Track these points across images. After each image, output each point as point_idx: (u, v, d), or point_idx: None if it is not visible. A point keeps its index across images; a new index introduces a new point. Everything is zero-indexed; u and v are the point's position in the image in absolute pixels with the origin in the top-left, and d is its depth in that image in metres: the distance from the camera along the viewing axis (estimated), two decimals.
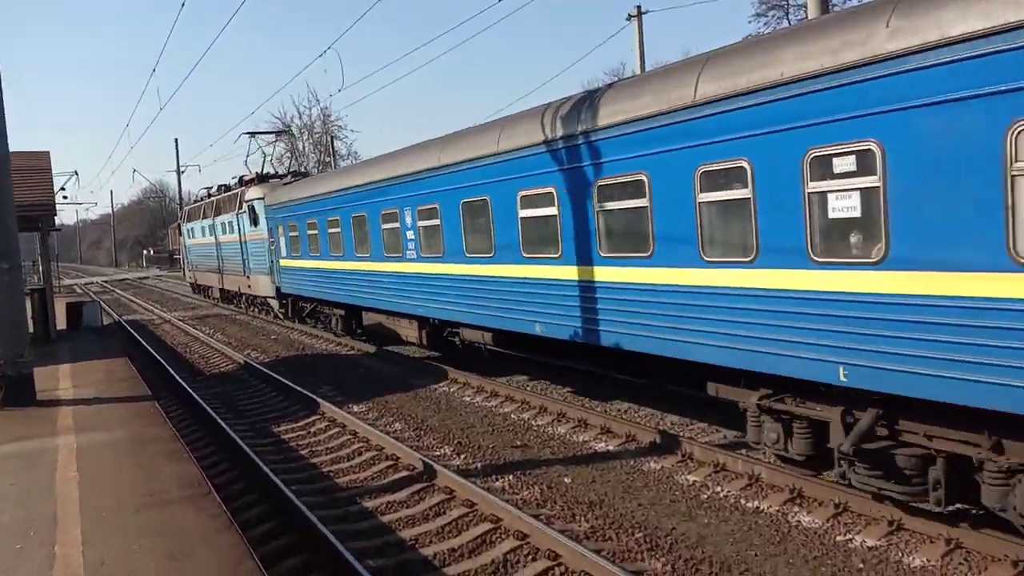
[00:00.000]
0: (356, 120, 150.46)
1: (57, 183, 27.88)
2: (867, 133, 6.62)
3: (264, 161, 32.24)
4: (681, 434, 10.18)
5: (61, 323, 22.76)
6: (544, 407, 12.41)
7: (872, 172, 6.61)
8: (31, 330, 14.67)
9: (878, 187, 6.58)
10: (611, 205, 9.74)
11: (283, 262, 23.72)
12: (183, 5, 17.03)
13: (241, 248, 28.76)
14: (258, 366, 18.07)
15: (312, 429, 12.74)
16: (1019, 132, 5.69)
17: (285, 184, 25.50)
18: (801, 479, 8.14)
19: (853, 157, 6.78)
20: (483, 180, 12.49)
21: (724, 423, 10.59)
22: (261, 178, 28.51)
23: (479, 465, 10.15)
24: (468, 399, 13.86)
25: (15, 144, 12.68)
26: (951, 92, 6.03)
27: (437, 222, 14.08)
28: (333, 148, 58.91)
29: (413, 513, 8.65)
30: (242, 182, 29.34)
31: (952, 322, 6.16)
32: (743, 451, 9.35)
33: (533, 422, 11.92)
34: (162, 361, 18.56)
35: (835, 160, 6.93)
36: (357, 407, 14.00)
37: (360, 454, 11.10)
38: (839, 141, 6.86)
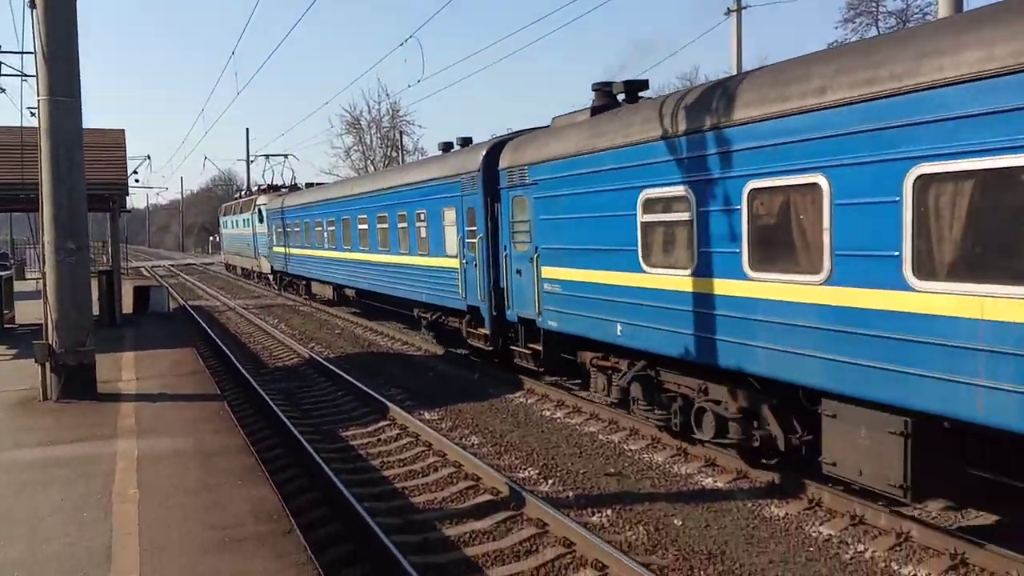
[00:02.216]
0: (424, 116, 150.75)
1: (130, 167, 27.83)
2: None
3: (270, 172, 48.12)
4: (806, 477, 8.91)
5: (127, 307, 22.43)
6: (636, 429, 11.26)
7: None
8: (95, 313, 14.03)
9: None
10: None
11: (272, 249, 35.51)
12: None
13: (253, 239, 40.84)
14: (323, 361, 17.33)
15: (382, 436, 11.83)
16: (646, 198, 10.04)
17: (278, 195, 36.88)
18: (963, 543, 6.85)
19: None
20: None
21: None
22: (269, 188, 41.78)
23: (571, 494, 9.06)
24: (548, 414, 12.78)
25: (89, 122, 12.08)
26: None
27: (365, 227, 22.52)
28: (402, 143, 58.59)
29: (501, 548, 7.61)
30: (258, 191, 42.92)
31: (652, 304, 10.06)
32: (882, 503, 8.07)
33: (625, 446, 10.78)
34: (231, 355, 17.91)
35: None
36: (428, 414, 13.06)
37: (436, 470, 10.13)
38: None
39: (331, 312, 27.95)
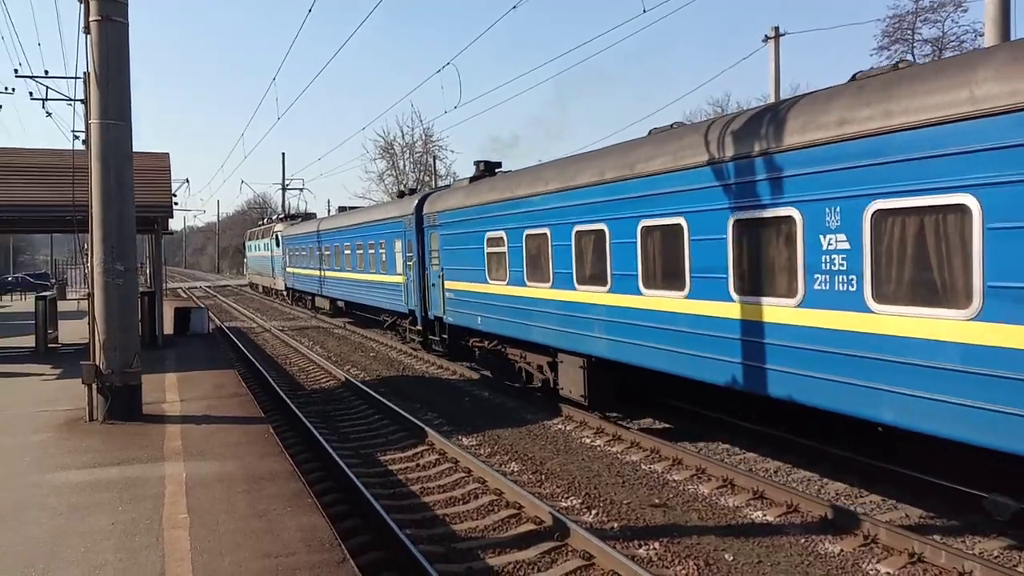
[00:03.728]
0: (456, 141, 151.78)
1: None
2: None
3: (294, 199, 56.60)
4: (858, 510, 8.66)
5: (168, 328, 22.70)
6: (679, 460, 11.05)
7: None
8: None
9: None
10: None
11: (288, 269, 42.69)
12: (309, 11, 16.61)
13: (271, 260, 47.94)
14: (359, 384, 17.34)
15: (421, 461, 11.76)
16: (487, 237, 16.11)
17: (292, 224, 43.98)
18: None
19: None
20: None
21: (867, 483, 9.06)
22: (286, 217, 51.05)
23: (615, 526, 8.89)
24: (588, 441, 12.62)
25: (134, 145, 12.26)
26: None
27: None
28: (435, 168, 59.06)
29: None
30: (276, 219, 51.61)
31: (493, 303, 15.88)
32: (936, 536, 7.82)
33: (668, 476, 10.58)
34: (269, 378, 18.00)
35: None
36: (467, 440, 12.98)
37: (476, 497, 10.02)
38: None
39: (365, 335, 28.06)
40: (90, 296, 11.82)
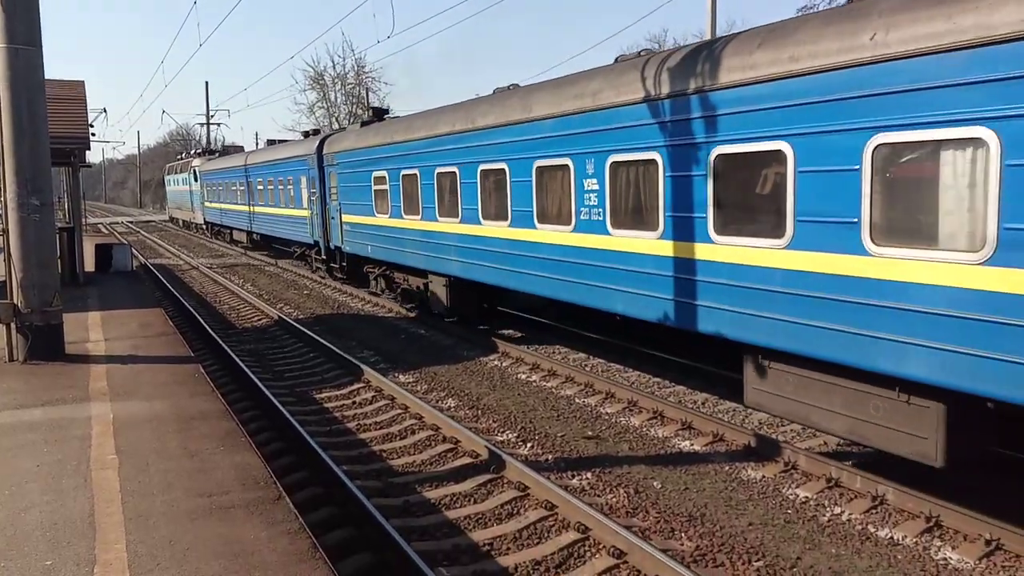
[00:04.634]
0: (389, 75, 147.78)
1: None
2: None
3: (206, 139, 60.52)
4: (779, 438, 9.07)
5: (89, 265, 21.88)
6: (611, 393, 11.34)
7: None
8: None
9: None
10: None
11: (206, 204, 44.66)
12: None
13: (190, 195, 49.67)
14: (293, 323, 17.13)
15: (357, 399, 11.77)
16: (374, 176, 19.62)
17: (209, 159, 45.68)
18: (937, 506, 7.04)
19: None
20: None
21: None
22: (205, 152, 52.03)
23: (550, 457, 9.12)
24: (524, 377, 12.81)
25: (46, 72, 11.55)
26: None
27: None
28: (368, 101, 57.55)
29: (482, 511, 7.65)
30: (193, 154, 53.39)
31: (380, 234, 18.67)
32: (852, 463, 8.26)
33: (602, 409, 10.86)
34: (198, 317, 17.59)
35: None
36: (403, 376, 13.02)
37: (413, 432, 10.12)
38: None
39: (298, 272, 27.62)
40: (4, 232, 11.27)
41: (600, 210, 10.71)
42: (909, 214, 6.71)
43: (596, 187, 10.73)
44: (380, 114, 22.40)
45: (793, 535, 6.96)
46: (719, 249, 8.55)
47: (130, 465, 6.77)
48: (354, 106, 60.59)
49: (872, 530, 7.00)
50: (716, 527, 7.14)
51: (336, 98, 62.47)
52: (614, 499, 7.84)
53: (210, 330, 15.98)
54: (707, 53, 8.70)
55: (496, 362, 13.83)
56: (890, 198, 6.77)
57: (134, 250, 31.01)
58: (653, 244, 9.66)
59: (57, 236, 13.20)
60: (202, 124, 66.05)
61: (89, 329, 13.43)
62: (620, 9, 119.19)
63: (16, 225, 10.91)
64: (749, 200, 8.35)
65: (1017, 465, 7.77)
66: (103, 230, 54.01)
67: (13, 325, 10.92)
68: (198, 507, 5.83)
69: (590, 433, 9.91)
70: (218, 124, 56.95)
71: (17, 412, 8.59)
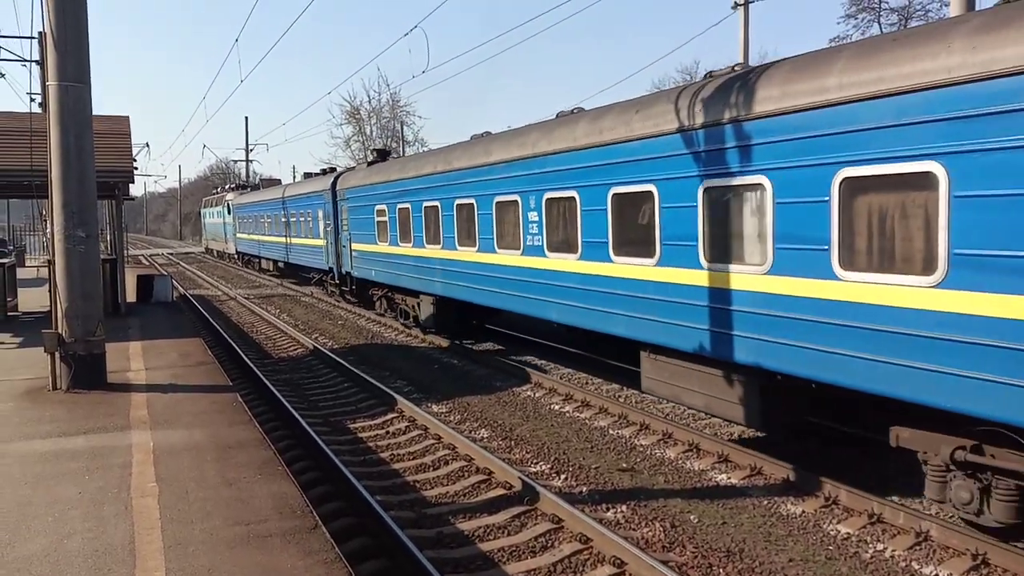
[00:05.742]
0: (424, 108, 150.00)
1: None
2: None
3: (235, 176, 64.65)
4: (820, 474, 8.88)
5: (130, 296, 22.33)
6: (646, 424, 11.23)
7: None
8: None
9: None
10: None
11: (237, 235, 47.63)
12: None
13: (224, 227, 53.34)
14: (328, 352, 17.28)
15: (391, 429, 11.80)
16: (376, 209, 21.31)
17: (241, 194, 48.62)
18: (984, 544, 6.84)
19: None
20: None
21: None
22: (238, 187, 56.88)
23: (584, 490, 9.03)
24: (557, 407, 12.75)
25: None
26: None
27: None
28: (403, 134, 58.44)
29: (516, 543, 7.58)
30: (228, 189, 58.47)
31: (384, 259, 20.82)
32: (895, 498, 8.06)
33: (636, 441, 10.75)
34: (236, 346, 17.85)
35: None
36: (436, 407, 13.03)
37: (446, 463, 10.10)
38: None
39: (332, 303, 27.90)
40: (51, 263, 11.57)
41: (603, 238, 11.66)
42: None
43: (537, 218, 13.03)
44: (384, 155, 25.30)
45: (835, 572, 6.80)
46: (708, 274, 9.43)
47: (170, 493, 6.85)
48: (388, 139, 61.53)
49: (917, 567, 6.81)
50: (755, 563, 7.00)
51: (371, 132, 63.55)
52: (650, 533, 7.73)
53: (247, 360, 16.18)
54: (694, 96, 9.30)
55: (529, 392, 13.80)
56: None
57: (174, 281, 31.66)
58: (649, 271, 10.46)
59: (101, 267, 13.52)
60: (240, 160, 67.98)
61: (130, 358, 13.68)
62: (645, 36, 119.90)
63: (62, 256, 11.21)
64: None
65: None
66: (144, 261, 55.15)
67: (58, 354, 11.17)
68: (236, 535, 5.86)
69: (624, 465, 9.81)
70: (248, 161, 61.57)
71: (60, 440, 8.76)
